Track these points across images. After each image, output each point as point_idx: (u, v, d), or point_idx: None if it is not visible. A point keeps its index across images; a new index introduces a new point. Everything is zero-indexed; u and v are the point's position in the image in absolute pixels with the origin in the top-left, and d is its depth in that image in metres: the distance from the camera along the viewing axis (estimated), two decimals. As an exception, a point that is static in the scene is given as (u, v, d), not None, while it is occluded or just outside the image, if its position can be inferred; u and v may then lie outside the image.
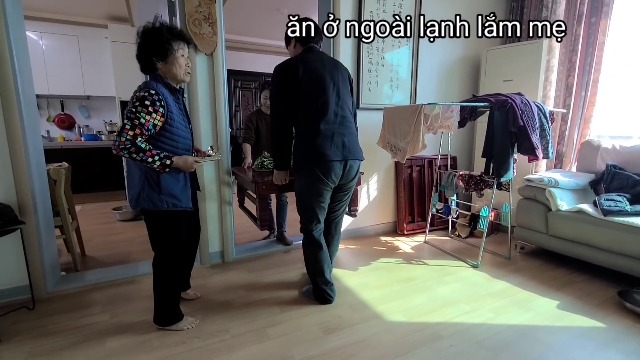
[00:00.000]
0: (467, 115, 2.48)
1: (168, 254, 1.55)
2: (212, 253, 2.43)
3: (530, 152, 2.17)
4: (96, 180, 4.79)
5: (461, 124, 2.46)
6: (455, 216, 2.67)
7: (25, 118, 1.87)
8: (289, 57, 1.74)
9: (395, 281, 2.16)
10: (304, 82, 1.59)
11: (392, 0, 2.79)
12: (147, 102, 1.33)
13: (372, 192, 3.05)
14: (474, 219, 2.45)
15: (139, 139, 1.33)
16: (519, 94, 2.30)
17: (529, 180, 2.52)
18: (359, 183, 2.30)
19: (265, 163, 2.36)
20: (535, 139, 2.15)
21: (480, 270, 2.35)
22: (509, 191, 2.47)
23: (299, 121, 1.66)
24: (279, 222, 2.84)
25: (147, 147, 1.35)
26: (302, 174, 1.68)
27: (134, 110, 1.32)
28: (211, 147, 1.92)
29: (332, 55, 2.64)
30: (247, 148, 2.66)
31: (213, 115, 2.27)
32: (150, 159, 1.36)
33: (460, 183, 2.63)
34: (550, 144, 2.33)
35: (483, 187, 2.42)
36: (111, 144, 1.34)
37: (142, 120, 1.33)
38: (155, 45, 1.41)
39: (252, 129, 2.68)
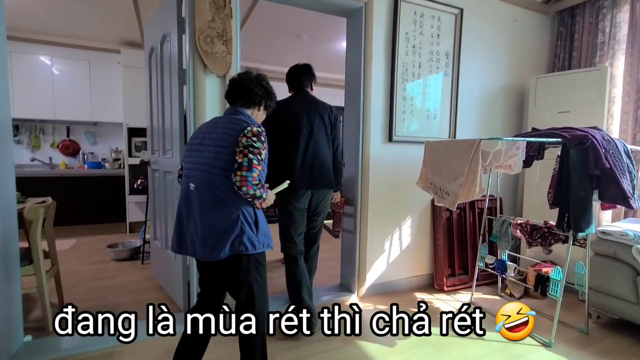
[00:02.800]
0: (534, 153, 2.04)
1: (263, 304, 1.36)
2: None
3: (619, 200, 1.71)
4: (97, 210, 4.44)
5: (526, 163, 2.03)
6: (514, 275, 2.17)
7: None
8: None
9: (449, 366, 1.65)
10: (283, 122, 1.92)
11: (429, 22, 2.47)
12: (263, 138, 1.29)
13: (405, 238, 2.59)
14: (541, 280, 1.96)
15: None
16: (595, 128, 1.87)
17: (605, 233, 2.03)
18: (341, 207, 2.55)
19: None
20: (627, 184, 1.69)
21: (555, 351, 1.81)
22: (584, 247, 1.98)
23: (279, 154, 1.90)
24: None
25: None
26: (280, 198, 1.83)
27: (256, 145, 1.25)
28: None
29: (361, 78, 2.30)
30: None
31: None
32: (264, 195, 1.28)
33: (519, 234, 2.15)
34: (636, 190, 1.86)
35: (552, 241, 1.94)
36: (239, 180, 1.20)
37: (263, 156, 1.28)
38: (271, 94, 1.49)
39: None
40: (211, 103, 1.84)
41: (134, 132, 4.16)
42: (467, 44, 2.64)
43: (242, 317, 1.30)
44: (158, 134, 2.36)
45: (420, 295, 2.52)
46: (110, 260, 3.26)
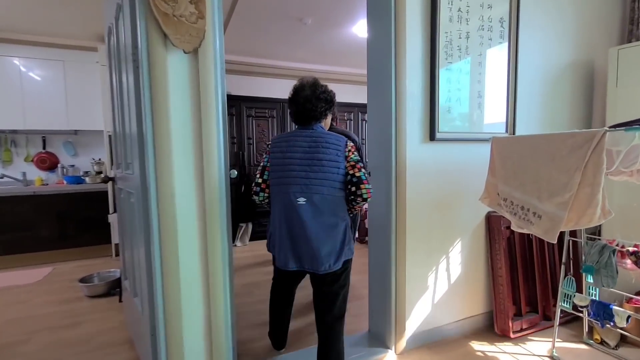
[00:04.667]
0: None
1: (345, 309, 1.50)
2: None
3: None
4: (78, 232, 3.88)
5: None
6: (626, 325, 1.51)
7: None
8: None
9: None
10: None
11: (479, -21, 1.83)
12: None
13: (454, 268, 1.94)
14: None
15: None
16: None
17: None
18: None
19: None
20: None
21: None
22: None
23: None
24: None
25: None
26: None
27: (361, 160, 1.41)
28: None
29: (391, 55, 1.68)
30: None
31: (197, 153, 1.28)
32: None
33: (629, 265, 1.49)
34: None
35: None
36: (365, 192, 1.37)
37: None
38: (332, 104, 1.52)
39: None
40: (177, 94, 1.22)
41: (116, 141, 3.59)
42: (526, 5, 1.99)
43: (338, 321, 1.45)
44: (120, 142, 1.77)
45: (479, 346, 1.87)
46: (83, 297, 2.68)
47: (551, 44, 2.16)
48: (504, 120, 2.00)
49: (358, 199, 1.37)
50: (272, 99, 4.74)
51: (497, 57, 1.95)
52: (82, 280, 2.73)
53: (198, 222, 1.30)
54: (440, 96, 1.78)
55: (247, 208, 4.19)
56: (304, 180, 1.33)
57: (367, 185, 1.36)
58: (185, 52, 1.21)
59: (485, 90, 1.93)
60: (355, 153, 1.40)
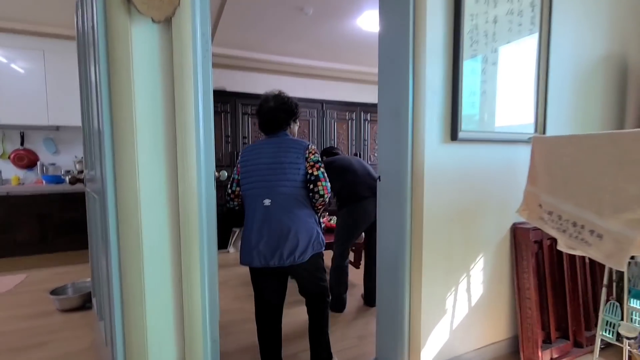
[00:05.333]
0: None
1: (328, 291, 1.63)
2: None
3: None
4: (58, 235, 3.58)
5: None
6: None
7: None
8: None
9: None
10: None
11: (509, -47, 1.58)
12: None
13: (476, 288, 1.69)
14: None
15: None
16: None
17: None
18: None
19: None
20: None
21: None
22: None
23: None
24: None
25: None
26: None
27: (320, 160, 1.55)
28: None
29: (409, 38, 1.42)
30: None
31: (170, 150, 1.02)
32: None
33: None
34: None
35: None
36: (322, 189, 1.51)
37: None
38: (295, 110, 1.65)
39: None
40: (143, 74, 0.96)
41: (99, 138, 3.31)
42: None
43: (322, 300, 1.60)
44: (86, 137, 1.50)
45: (504, 380, 1.62)
46: (54, 311, 2.39)
47: (584, 35, 1.91)
48: (533, 119, 1.75)
49: (316, 195, 1.49)
50: (269, 95, 4.49)
51: (527, 46, 1.70)
52: (54, 292, 2.45)
53: (171, 238, 1.04)
54: (464, 89, 1.53)
55: (240, 212, 3.92)
56: (268, 183, 1.45)
57: (324, 183, 1.49)
58: (154, 22, 0.94)
59: (514, 84, 1.68)
60: (316, 155, 1.53)
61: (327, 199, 1.52)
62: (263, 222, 1.42)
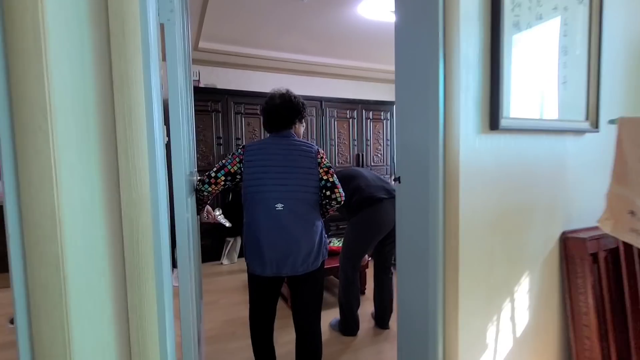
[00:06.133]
0: None
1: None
2: None
3: None
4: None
5: None
6: None
7: None
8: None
9: None
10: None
11: None
12: None
13: (521, 314, 1.35)
14: None
15: None
16: None
17: None
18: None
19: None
20: None
21: None
22: None
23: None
24: None
25: None
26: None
27: (331, 166, 1.53)
28: None
29: (439, 4, 1.10)
30: None
31: (109, 148, 0.68)
32: None
33: None
34: None
35: None
36: (339, 195, 1.51)
37: None
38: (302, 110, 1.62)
39: None
40: (64, 27, 0.63)
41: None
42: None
43: (315, 316, 1.51)
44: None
45: None
46: (14, 343, 2.04)
47: (637, 7, 1.61)
48: (584, 102, 1.44)
49: (332, 202, 1.49)
50: (264, 93, 4.17)
51: (577, 19, 1.39)
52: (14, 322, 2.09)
53: (112, 272, 0.70)
54: (506, 69, 1.21)
55: (235, 220, 3.58)
56: (281, 187, 1.40)
57: (340, 190, 1.50)
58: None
59: (563, 60, 1.36)
60: (327, 160, 1.52)
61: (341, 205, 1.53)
62: (273, 227, 1.37)
